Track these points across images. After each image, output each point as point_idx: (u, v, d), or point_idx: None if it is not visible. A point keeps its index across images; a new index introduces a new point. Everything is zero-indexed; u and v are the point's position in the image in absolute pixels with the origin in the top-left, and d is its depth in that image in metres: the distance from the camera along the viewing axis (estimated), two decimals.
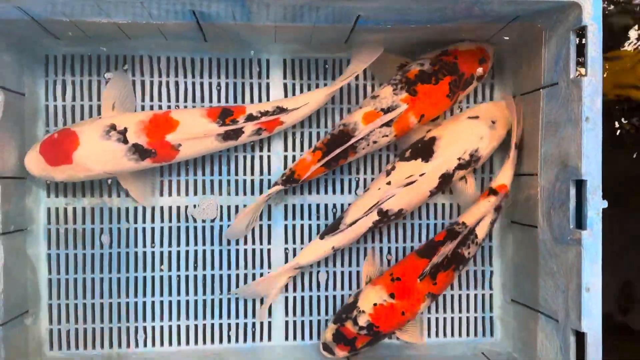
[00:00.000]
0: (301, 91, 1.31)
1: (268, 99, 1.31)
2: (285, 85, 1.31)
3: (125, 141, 1.14)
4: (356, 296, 1.23)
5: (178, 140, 1.16)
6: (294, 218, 1.32)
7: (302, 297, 1.32)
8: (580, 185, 1.06)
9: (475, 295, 1.35)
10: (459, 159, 1.22)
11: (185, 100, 1.29)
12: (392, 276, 1.22)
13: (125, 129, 1.15)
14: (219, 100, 1.30)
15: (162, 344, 1.29)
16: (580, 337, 1.05)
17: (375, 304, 1.19)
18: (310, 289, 1.32)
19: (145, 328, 1.28)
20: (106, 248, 1.27)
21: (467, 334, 1.35)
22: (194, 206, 1.29)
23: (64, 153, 1.14)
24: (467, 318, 1.35)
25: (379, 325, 1.19)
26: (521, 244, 1.28)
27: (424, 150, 1.23)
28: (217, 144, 1.19)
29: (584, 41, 1.03)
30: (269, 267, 1.31)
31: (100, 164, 1.15)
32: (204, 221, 1.30)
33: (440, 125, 1.27)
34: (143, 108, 1.28)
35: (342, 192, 1.33)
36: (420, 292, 1.21)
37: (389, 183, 1.22)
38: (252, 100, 1.31)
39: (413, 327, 1.26)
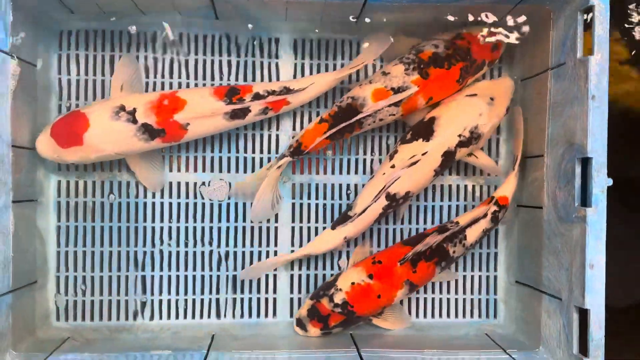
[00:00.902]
0: (311, 72, 1.33)
1: (278, 78, 1.32)
2: (295, 65, 1.33)
3: (135, 121, 1.16)
4: (337, 276, 1.25)
5: (186, 120, 1.18)
6: (301, 197, 1.33)
7: (308, 275, 1.33)
8: (585, 163, 1.07)
9: (480, 277, 1.36)
10: (459, 135, 1.22)
11: (196, 78, 1.31)
12: (374, 259, 1.23)
13: (134, 109, 1.16)
14: (228, 79, 1.32)
15: (168, 317, 1.30)
16: (584, 315, 1.06)
17: (353, 283, 1.20)
18: (316, 268, 1.33)
19: (152, 301, 1.30)
20: (115, 222, 1.29)
21: (471, 315, 1.35)
22: (205, 183, 1.31)
23: (74, 134, 1.15)
24: (472, 300, 1.35)
25: (353, 305, 1.20)
26: (526, 226, 1.29)
27: (425, 130, 1.23)
28: (225, 122, 1.21)
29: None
30: (276, 245, 1.32)
31: (111, 144, 1.17)
32: (211, 199, 1.31)
33: (440, 105, 1.27)
34: (155, 84, 1.30)
35: (348, 172, 1.34)
36: (398, 277, 1.21)
37: (393, 166, 1.22)
38: (262, 79, 1.32)
39: (392, 314, 1.26)
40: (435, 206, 1.35)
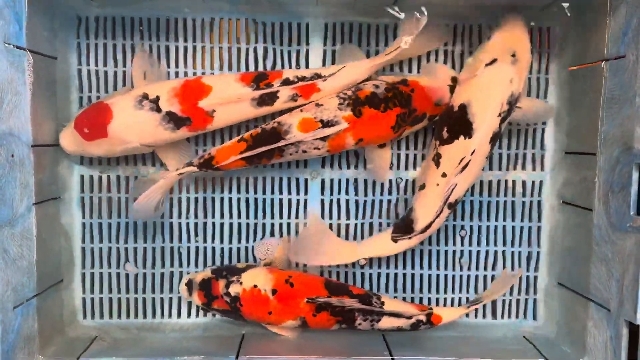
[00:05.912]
0: None
1: (307, 66, 1.24)
2: (324, 52, 1.24)
3: (159, 110, 1.11)
4: (248, 267, 1.20)
5: (212, 106, 1.12)
6: (331, 193, 1.27)
7: (337, 272, 1.29)
8: None
9: (520, 276, 1.29)
10: (499, 114, 1.12)
11: (221, 68, 1.24)
12: (289, 279, 1.17)
13: (158, 97, 1.11)
14: (255, 67, 1.24)
15: (197, 315, 1.27)
16: (634, 330, 1.00)
17: (255, 286, 1.15)
18: (354, 265, 1.29)
19: (179, 299, 1.27)
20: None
21: (509, 316, 1.30)
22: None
23: (98, 126, 1.11)
24: (510, 300, 1.29)
25: (243, 305, 1.16)
26: (572, 226, 1.21)
27: (461, 125, 1.13)
28: (252, 109, 1.14)
29: None
30: None
31: (136, 134, 1.12)
32: (239, 192, 1.26)
33: (461, 84, 1.16)
34: (177, 74, 1.23)
35: None
36: (297, 310, 1.15)
37: (444, 175, 1.14)
38: (290, 66, 1.24)
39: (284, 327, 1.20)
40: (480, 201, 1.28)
